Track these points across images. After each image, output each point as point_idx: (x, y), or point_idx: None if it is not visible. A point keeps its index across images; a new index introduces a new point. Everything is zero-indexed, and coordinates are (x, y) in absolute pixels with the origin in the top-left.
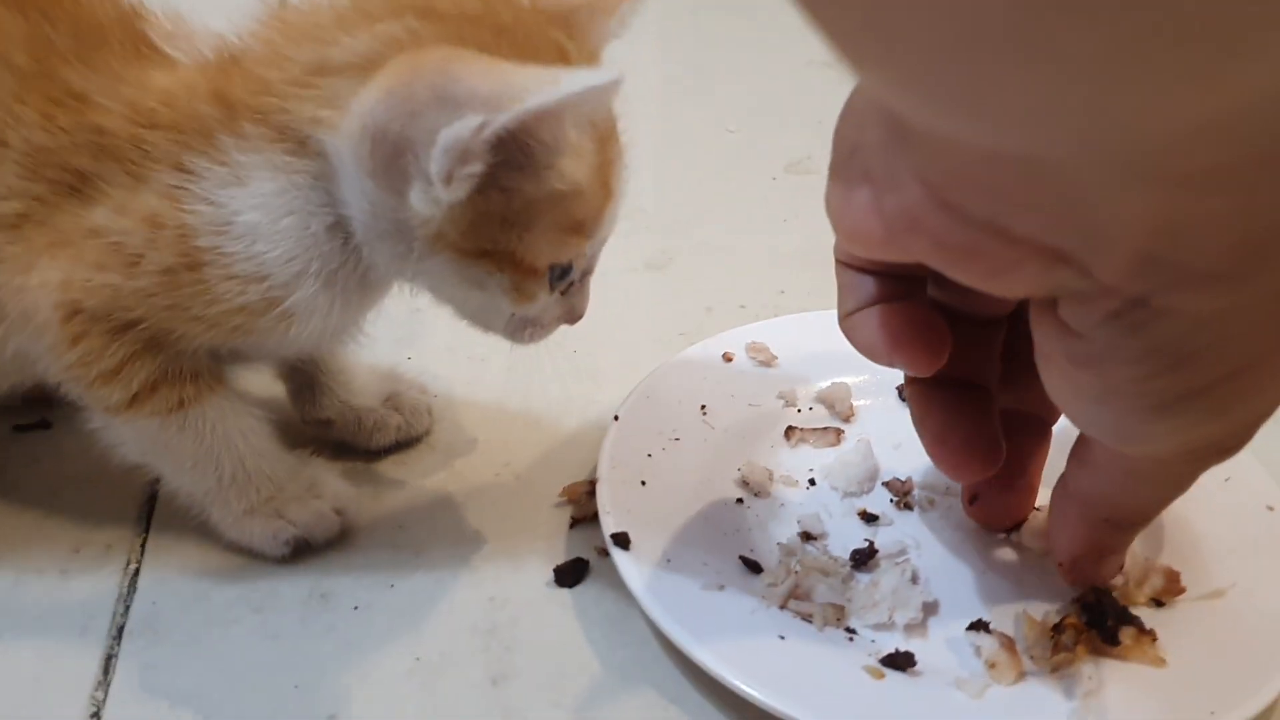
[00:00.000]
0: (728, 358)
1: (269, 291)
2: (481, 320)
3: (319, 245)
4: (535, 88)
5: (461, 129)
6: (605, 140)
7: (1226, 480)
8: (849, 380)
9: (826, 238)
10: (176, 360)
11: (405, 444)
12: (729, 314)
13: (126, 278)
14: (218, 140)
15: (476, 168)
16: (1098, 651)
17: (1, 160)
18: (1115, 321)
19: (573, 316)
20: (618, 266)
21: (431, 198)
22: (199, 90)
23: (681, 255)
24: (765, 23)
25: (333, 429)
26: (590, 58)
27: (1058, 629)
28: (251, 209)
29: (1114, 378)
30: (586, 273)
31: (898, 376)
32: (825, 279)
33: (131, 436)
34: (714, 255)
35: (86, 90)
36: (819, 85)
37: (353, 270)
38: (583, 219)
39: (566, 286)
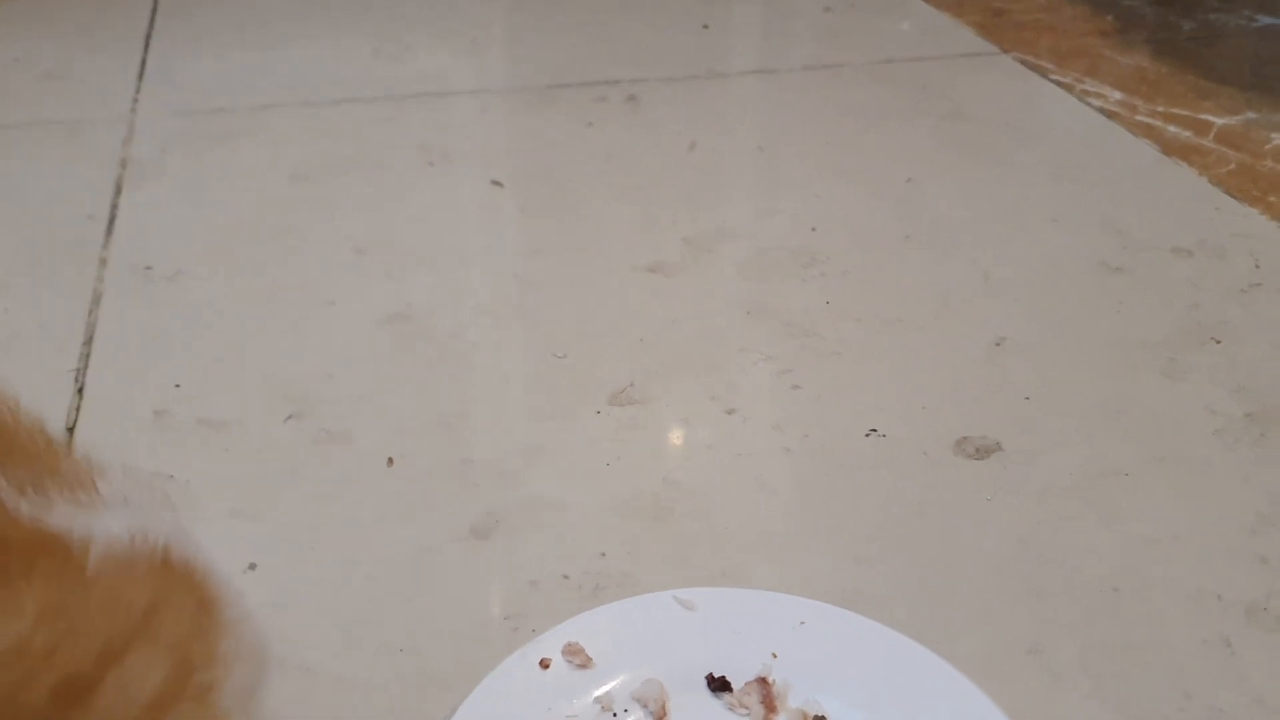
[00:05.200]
0: (545, 664)
1: None
2: None
3: None
4: None
5: None
6: None
7: None
8: (660, 674)
9: (647, 483)
10: None
11: None
12: (553, 586)
13: None
14: None
15: None
16: None
17: None
18: None
19: None
20: (445, 536)
21: None
22: None
23: (508, 516)
24: (593, 224)
25: None
26: None
27: None
28: None
29: None
30: None
31: (707, 664)
32: (643, 534)
33: None
34: (540, 513)
35: None
36: (640, 293)
37: None
38: None
39: None
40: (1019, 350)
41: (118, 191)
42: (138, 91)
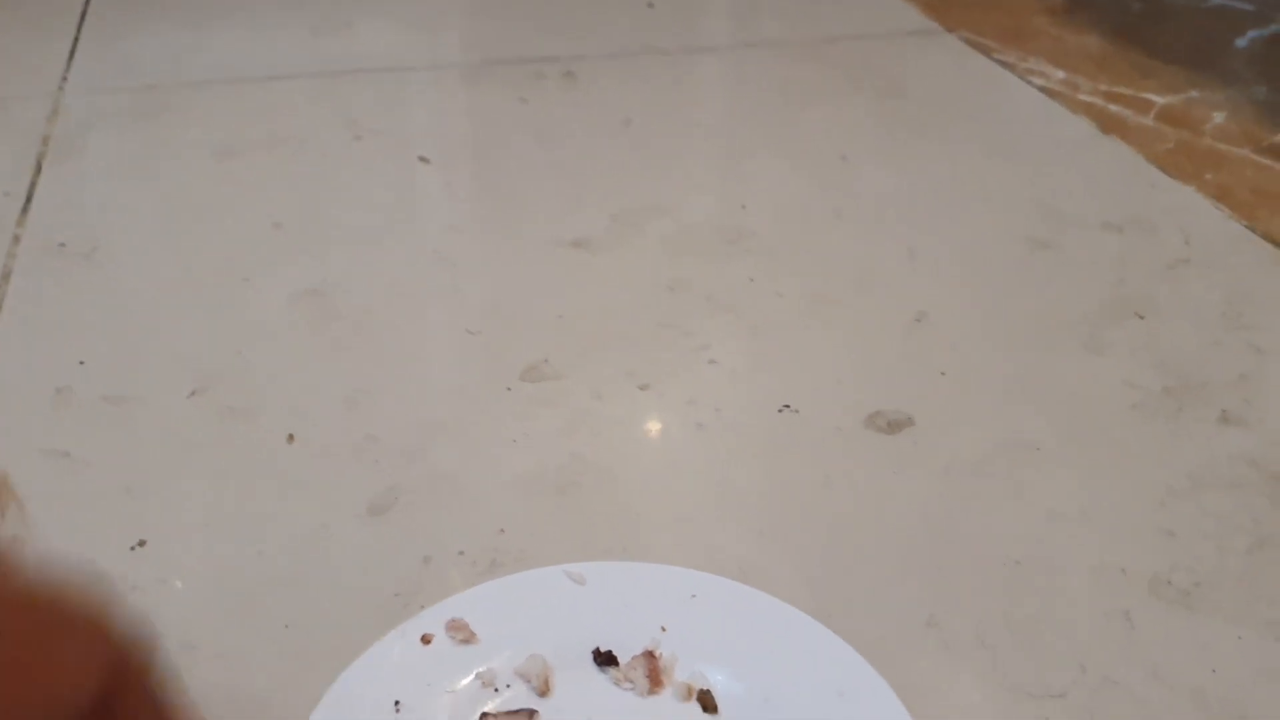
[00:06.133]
0: (426, 640)
1: None
2: None
3: None
4: None
5: None
6: None
7: None
8: (547, 649)
9: (552, 459)
10: None
11: None
12: (447, 562)
13: None
14: None
15: None
16: None
17: None
18: None
19: None
20: (341, 514)
21: None
22: None
23: (407, 491)
24: (519, 201)
25: None
26: None
27: None
28: None
29: None
30: None
31: (595, 639)
32: (545, 510)
33: None
34: (439, 487)
35: None
36: (562, 269)
37: None
38: None
39: None
40: (938, 326)
41: (38, 169)
42: (68, 68)
